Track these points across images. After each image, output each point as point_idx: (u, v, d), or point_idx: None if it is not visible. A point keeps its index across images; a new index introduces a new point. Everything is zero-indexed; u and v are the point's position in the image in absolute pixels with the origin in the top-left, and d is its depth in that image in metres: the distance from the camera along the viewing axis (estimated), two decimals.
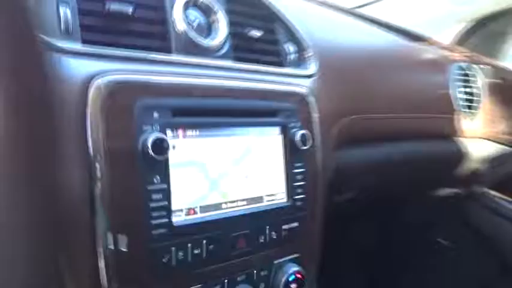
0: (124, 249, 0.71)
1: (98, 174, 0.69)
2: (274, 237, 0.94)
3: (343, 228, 1.92)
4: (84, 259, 0.70)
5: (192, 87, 0.83)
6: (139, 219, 0.73)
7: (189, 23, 0.90)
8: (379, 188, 1.52)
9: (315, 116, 1.06)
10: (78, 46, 0.73)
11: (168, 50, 0.86)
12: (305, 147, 0.98)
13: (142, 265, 0.73)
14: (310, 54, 1.16)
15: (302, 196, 0.99)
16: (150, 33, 0.85)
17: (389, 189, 1.58)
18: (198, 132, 0.83)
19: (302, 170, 1.00)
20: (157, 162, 0.75)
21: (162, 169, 0.76)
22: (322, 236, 1.10)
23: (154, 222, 0.74)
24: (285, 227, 0.96)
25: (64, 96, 0.69)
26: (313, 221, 1.05)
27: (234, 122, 0.89)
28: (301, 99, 1.04)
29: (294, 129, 0.98)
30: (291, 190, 0.97)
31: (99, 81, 0.71)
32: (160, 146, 0.73)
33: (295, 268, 0.97)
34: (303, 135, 0.97)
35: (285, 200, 0.97)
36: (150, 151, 0.72)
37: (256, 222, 0.91)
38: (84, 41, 0.75)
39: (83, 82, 0.70)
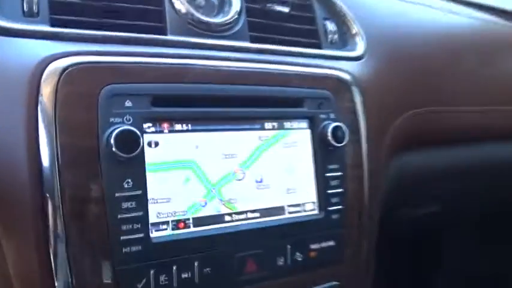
0: (86, 274, 0.57)
1: (50, 178, 0.56)
2: (299, 259, 0.73)
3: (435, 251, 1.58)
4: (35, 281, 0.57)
5: (183, 70, 0.67)
6: (103, 234, 0.58)
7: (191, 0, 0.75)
8: (459, 199, 1.21)
9: (358, 106, 0.84)
10: (33, 27, 0.61)
11: (162, 32, 0.71)
12: (339, 145, 0.77)
13: None
14: (355, 31, 0.94)
15: (340, 207, 0.77)
16: (140, 13, 0.71)
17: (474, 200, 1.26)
18: (190, 126, 0.67)
19: (338, 173, 0.78)
20: (127, 163, 0.59)
21: (135, 171, 0.60)
22: (374, 260, 0.86)
23: (124, 237, 0.59)
24: (314, 246, 0.75)
25: (13, 83, 0.57)
26: (360, 240, 0.82)
27: (242, 114, 0.71)
28: (337, 84, 0.83)
29: (326, 122, 0.77)
30: (324, 199, 0.76)
31: (54, 65, 0.58)
32: (128, 142, 0.58)
33: None
34: (336, 128, 0.76)
35: (315, 211, 0.76)
36: (114, 148, 0.58)
37: (274, 239, 0.71)
38: (54, 23, 0.64)
39: (36, 67, 0.58)
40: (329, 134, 0.75)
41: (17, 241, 0.56)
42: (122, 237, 0.58)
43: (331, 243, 0.76)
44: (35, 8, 0.63)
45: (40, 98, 0.57)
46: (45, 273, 0.55)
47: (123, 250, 0.58)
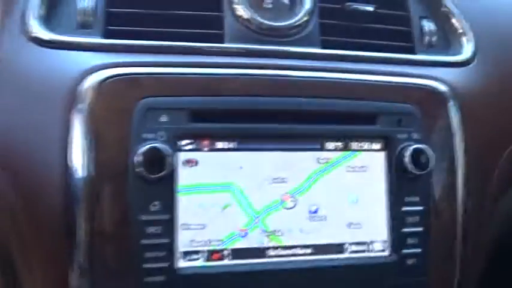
0: None
1: (78, 196, 0.53)
2: None
3: None
4: None
5: (227, 81, 0.59)
6: (125, 261, 0.53)
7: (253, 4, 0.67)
8: None
9: (455, 124, 0.67)
10: (79, 39, 0.59)
11: (219, 40, 0.65)
12: (421, 172, 0.62)
13: None
14: (462, 30, 0.76)
15: (418, 250, 0.62)
16: (197, 20, 0.65)
17: None
18: (234, 144, 0.59)
19: (418, 208, 0.63)
20: (155, 183, 0.54)
21: (164, 193, 0.55)
22: None
23: (147, 265, 0.54)
24: None
25: (54, 94, 0.56)
26: None
27: (298, 131, 0.61)
28: (427, 97, 0.67)
29: (405, 143, 0.63)
30: (398, 238, 0.62)
31: (93, 77, 0.56)
32: (154, 161, 0.53)
33: None
34: (417, 152, 0.61)
35: (386, 253, 0.63)
36: (139, 167, 0.53)
37: (328, 283, 0.60)
38: (108, 34, 0.61)
39: (76, 79, 0.56)
40: (407, 158, 0.61)
41: (36, 257, 0.55)
42: (144, 265, 0.53)
43: None
44: (90, 19, 0.62)
45: (75, 110, 0.54)
46: None
47: (145, 279, 0.53)
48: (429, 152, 0.62)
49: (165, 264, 0.54)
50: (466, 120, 0.68)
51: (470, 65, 0.74)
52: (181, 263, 0.56)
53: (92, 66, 0.56)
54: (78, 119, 0.54)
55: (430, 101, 0.67)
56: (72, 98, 0.55)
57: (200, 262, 0.56)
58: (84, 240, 0.53)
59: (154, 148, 0.53)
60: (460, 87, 0.70)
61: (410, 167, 0.61)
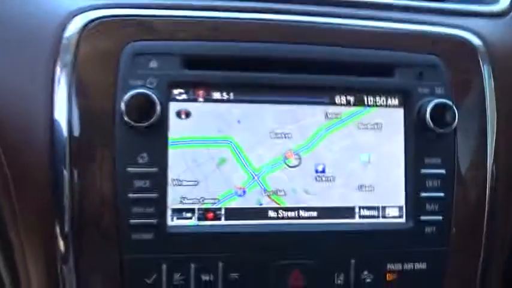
0: (90, 256, 0.50)
1: (63, 149, 0.49)
2: (369, 280, 0.54)
3: None
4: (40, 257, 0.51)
5: (226, 25, 0.54)
6: (112, 216, 0.50)
7: None
8: None
9: (487, 79, 0.59)
10: None
11: None
12: (443, 130, 0.54)
13: (112, 283, 0.50)
14: None
15: (437, 218, 0.56)
16: None
17: None
18: (232, 95, 0.54)
19: (440, 171, 0.56)
20: (144, 133, 0.50)
21: (153, 144, 0.50)
22: None
23: (134, 221, 0.50)
24: (393, 266, 0.55)
25: (34, 44, 0.52)
26: (468, 268, 0.58)
27: (304, 82, 0.55)
28: (456, 48, 0.59)
29: (427, 99, 0.56)
30: (415, 204, 0.56)
31: (78, 19, 0.52)
32: (140, 108, 0.49)
33: None
34: (439, 107, 0.54)
35: (401, 220, 0.56)
36: (126, 115, 0.49)
37: (334, 248, 0.54)
38: None
39: (61, 21, 0.52)
40: (427, 114, 0.54)
41: (23, 214, 0.52)
42: (131, 221, 0.49)
43: (421, 265, 0.55)
44: None
45: (60, 58, 0.51)
46: (49, 246, 0.50)
47: (132, 236, 0.50)
48: (453, 108, 0.54)
49: (153, 221, 0.50)
50: (500, 77, 0.60)
51: (507, 17, 0.66)
52: (172, 221, 0.51)
53: (78, 8, 0.52)
54: (62, 67, 0.50)
55: (459, 53, 0.59)
56: (57, 45, 0.51)
57: (192, 221, 0.52)
58: (70, 194, 0.49)
59: (141, 94, 0.48)
60: (493, 40, 0.62)
61: (431, 124, 0.54)
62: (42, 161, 0.50)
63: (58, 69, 0.50)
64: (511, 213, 0.61)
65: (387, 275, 0.54)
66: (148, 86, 0.50)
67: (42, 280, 0.51)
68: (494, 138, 0.59)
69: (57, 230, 0.49)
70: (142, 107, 0.48)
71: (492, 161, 0.59)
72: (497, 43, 0.62)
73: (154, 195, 0.50)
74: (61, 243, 0.49)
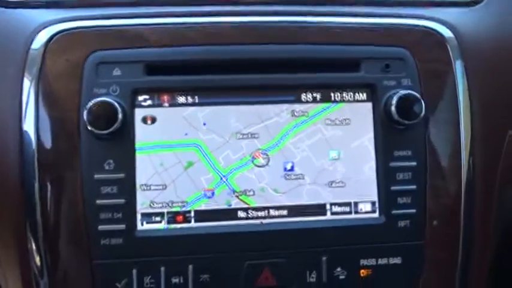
0: (61, 262, 0.51)
1: (32, 158, 0.51)
2: (342, 277, 0.54)
3: None
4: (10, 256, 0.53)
5: (186, 30, 0.54)
6: (81, 222, 0.51)
7: None
8: None
9: (458, 69, 0.59)
10: None
11: None
12: (411, 121, 0.54)
13: None
14: None
15: (410, 211, 0.55)
16: None
17: None
18: (197, 99, 0.54)
19: (411, 163, 0.55)
20: (109, 140, 0.51)
21: (119, 151, 0.51)
22: None
23: (102, 227, 0.51)
24: (367, 262, 0.54)
25: (7, 54, 0.54)
26: (446, 264, 0.57)
27: (268, 82, 0.55)
28: (424, 39, 0.59)
29: (394, 91, 0.55)
30: (387, 198, 0.55)
31: (43, 33, 0.53)
32: (102, 116, 0.49)
33: None
34: (404, 98, 0.54)
35: (374, 215, 0.56)
36: (87, 123, 0.50)
37: (305, 246, 0.54)
38: None
39: (28, 36, 0.53)
40: (393, 106, 0.54)
41: None
42: (100, 227, 0.50)
43: (396, 260, 0.55)
44: None
45: (27, 67, 0.52)
46: (23, 255, 0.51)
47: (102, 242, 0.50)
48: (419, 99, 0.54)
49: (122, 227, 0.51)
50: (473, 67, 0.59)
51: (478, 6, 0.65)
52: (142, 226, 0.52)
53: (44, 22, 0.54)
54: (30, 79, 0.52)
55: (426, 44, 0.59)
56: (24, 58, 0.53)
57: (162, 225, 0.53)
58: (39, 202, 0.50)
59: (103, 102, 0.49)
60: (464, 30, 0.61)
61: (397, 116, 0.54)
62: (13, 172, 0.51)
63: (26, 81, 0.52)
64: (493, 205, 0.59)
65: (361, 271, 0.54)
66: (111, 93, 0.51)
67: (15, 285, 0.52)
68: (470, 129, 0.58)
69: (29, 236, 0.51)
70: (105, 114, 0.49)
71: (468, 152, 0.58)
72: (468, 33, 0.61)
73: (121, 200, 0.51)
74: (34, 250, 0.50)
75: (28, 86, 0.52)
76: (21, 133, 0.51)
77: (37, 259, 0.50)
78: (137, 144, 0.52)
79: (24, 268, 0.51)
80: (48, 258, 0.50)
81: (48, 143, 0.51)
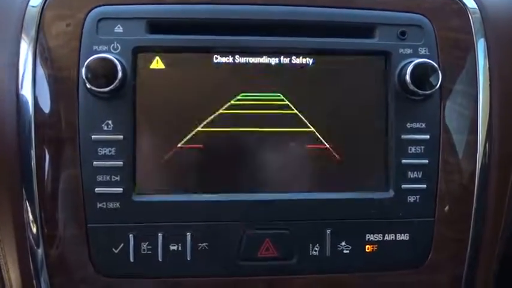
0: (58, 225, 0.49)
1: (29, 118, 0.49)
2: (346, 251, 0.52)
3: None
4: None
5: None
6: (78, 184, 0.49)
7: None
8: None
9: (480, 41, 0.55)
10: None
11: None
12: (425, 92, 0.51)
13: (79, 253, 0.49)
14: None
15: (420, 186, 0.52)
16: None
17: None
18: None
19: (423, 136, 0.53)
20: (108, 100, 0.49)
21: (118, 111, 0.49)
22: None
23: (99, 190, 0.49)
24: (373, 237, 0.52)
25: (5, 11, 0.52)
26: (456, 242, 0.55)
27: (275, 45, 0.52)
28: (441, 6, 0.55)
29: (409, 60, 0.52)
30: (396, 172, 0.52)
31: None
32: (101, 74, 0.47)
33: None
34: (419, 67, 0.51)
35: (382, 189, 0.53)
36: (88, 81, 0.47)
37: (309, 218, 0.52)
38: None
39: None
40: (408, 75, 0.51)
41: None
42: (96, 189, 0.49)
43: (403, 236, 0.52)
44: None
45: (25, 26, 0.50)
46: (19, 220, 0.49)
47: (98, 205, 0.49)
48: (435, 68, 0.51)
49: (119, 190, 0.49)
50: (492, 41, 0.56)
51: None
52: (138, 190, 0.50)
53: None
54: (28, 38, 0.50)
55: (447, 12, 0.55)
56: (22, 17, 0.50)
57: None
58: (35, 164, 0.49)
59: (103, 59, 0.47)
60: (487, 1, 0.58)
61: (412, 86, 0.51)
62: (9, 134, 0.49)
63: (23, 38, 0.50)
64: (508, 183, 0.57)
65: (367, 246, 0.52)
66: (112, 51, 0.49)
67: (13, 251, 0.50)
68: (488, 104, 0.55)
69: (25, 199, 0.49)
70: (104, 71, 0.47)
71: (485, 128, 0.55)
72: (492, 3, 0.58)
73: (120, 163, 0.49)
74: (30, 214, 0.49)
75: (26, 44, 0.50)
76: (18, 93, 0.49)
77: (33, 223, 0.49)
78: (138, 105, 0.50)
79: (20, 232, 0.49)
80: (44, 222, 0.49)
81: (45, 103, 0.49)
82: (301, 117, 0.51)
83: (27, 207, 0.49)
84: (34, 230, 0.49)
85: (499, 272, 0.60)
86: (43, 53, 0.49)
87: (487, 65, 0.55)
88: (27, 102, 0.49)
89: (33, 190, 0.49)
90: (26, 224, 0.49)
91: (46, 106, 0.49)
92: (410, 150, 0.52)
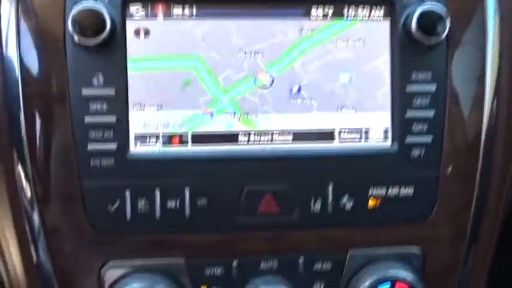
0: (52, 184, 0.48)
1: (12, 66, 0.47)
2: (349, 206, 0.50)
3: None
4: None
5: None
6: (68, 139, 0.47)
7: None
8: None
9: None
10: None
11: None
12: (432, 41, 0.49)
13: (72, 212, 0.48)
14: None
15: (426, 140, 0.51)
16: None
17: None
18: (195, 11, 0.49)
19: (430, 87, 0.50)
20: (98, 53, 0.46)
21: (109, 65, 0.47)
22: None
23: (92, 147, 0.47)
24: (377, 191, 0.51)
25: None
26: (460, 196, 0.53)
27: None
28: None
29: (415, 7, 0.49)
30: (401, 125, 0.51)
31: None
32: (90, 24, 0.45)
33: (396, 271, 0.51)
34: (426, 14, 0.48)
35: (386, 142, 0.51)
36: (75, 33, 0.45)
37: (310, 173, 0.50)
38: None
39: None
40: (414, 23, 0.48)
41: None
42: (89, 146, 0.47)
43: (407, 190, 0.51)
44: None
45: None
46: (11, 182, 0.48)
47: (92, 163, 0.47)
48: (442, 15, 0.48)
49: (113, 147, 0.47)
50: None
51: None
52: (134, 148, 0.48)
53: None
54: None
55: None
56: None
57: (157, 147, 0.49)
58: (24, 122, 0.47)
59: (90, 9, 0.44)
60: None
61: (417, 34, 0.48)
62: None
63: None
64: None
65: (369, 201, 0.50)
66: (100, 1, 0.47)
67: (8, 213, 0.49)
68: (498, 55, 0.53)
69: (16, 159, 0.47)
70: (91, 22, 0.45)
71: (493, 79, 0.52)
72: None
73: (112, 118, 0.47)
74: (22, 175, 0.48)
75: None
76: (2, 50, 0.47)
77: (26, 184, 0.48)
78: (129, 59, 0.48)
79: (14, 195, 0.48)
80: (37, 183, 0.48)
81: (31, 59, 0.47)
82: None
83: (18, 169, 0.48)
84: (28, 191, 0.48)
85: (503, 229, 0.59)
86: (26, 4, 0.47)
87: (497, 13, 0.52)
88: (13, 59, 0.47)
89: (23, 150, 0.47)
90: (18, 186, 0.48)
91: (33, 62, 0.47)
92: (416, 102, 0.50)
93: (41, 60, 0.47)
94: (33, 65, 0.47)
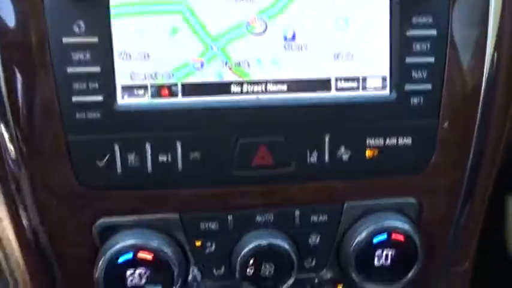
0: (37, 138, 0.46)
1: None
2: (345, 157, 0.49)
3: None
4: None
5: None
6: (52, 93, 0.44)
7: None
8: None
9: None
10: None
11: None
12: None
13: (61, 168, 0.46)
14: None
15: (426, 87, 0.49)
16: None
17: None
18: None
19: (429, 32, 0.48)
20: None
21: (90, 11, 0.44)
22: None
23: (77, 99, 0.45)
24: (374, 141, 0.49)
25: None
26: (461, 145, 0.52)
27: None
28: None
29: None
30: (400, 72, 0.49)
31: None
32: None
33: (392, 222, 0.51)
34: None
35: (384, 91, 0.50)
36: None
37: (306, 124, 0.48)
38: None
39: None
40: None
41: None
42: (74, 99, 0.44)
43: (405, 140, 0.50)
44: None
45: None
46: None
47: (77, 115, 0.45)
48: None
49: (99, 98, 0.45)
50: None
51: None
52: (122, 100, 0.46)
53: None
54: None
55: None
56: None
57: (145, 99, 0.47)
58: (4, 76, 0.44)
59: None
60: None
61: None
62: None
63: None
64: None
65: (367, 151, 0.49)
66: None
67: None
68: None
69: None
70: None
71: (496, 24, 0.50)
72: None
73: (96, 68, 0.44)
74: (3, 129, 0.45)
75: None
76: None
77: (9, 141, 0.45)
78: (112, 6, 0.44)
79: None
80: (20, 140, 0.45)
81: (6, 5, 0.43)
82: None
83: (0, 127, 0.45)
84: (11, 148, 0.45)
85: (498, 179, 0.59)
86: None
87: None
88: None
89: (4, 105, 0.45)
90: (2, 145, 0.45)
91: (8, 9, 0.43)
92: (415, 48, 0.48)
93: (16, 6, 0.43)
94: (9, 12, 0.43)
